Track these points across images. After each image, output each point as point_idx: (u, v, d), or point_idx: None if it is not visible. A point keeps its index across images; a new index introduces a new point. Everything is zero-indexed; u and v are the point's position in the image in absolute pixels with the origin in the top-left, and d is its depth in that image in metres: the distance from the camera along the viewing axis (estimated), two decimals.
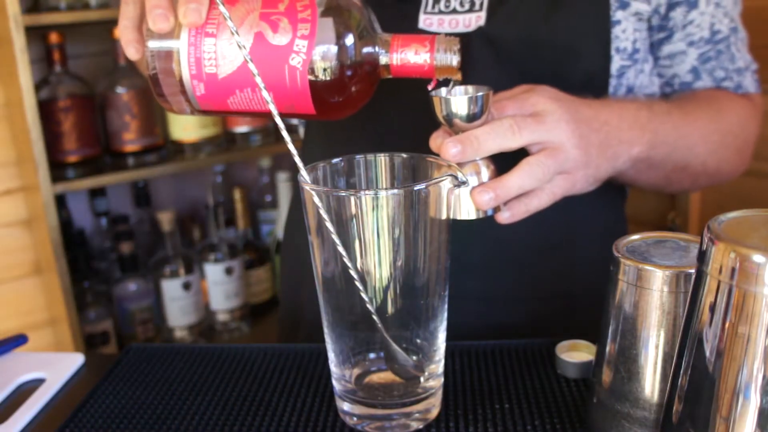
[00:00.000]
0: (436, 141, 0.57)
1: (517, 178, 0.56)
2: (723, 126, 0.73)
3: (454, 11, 0.71)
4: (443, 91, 0.57)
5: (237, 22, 0.53)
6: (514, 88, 0.62)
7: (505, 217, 0.59)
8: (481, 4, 0.70)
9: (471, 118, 0.55)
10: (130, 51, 0.56)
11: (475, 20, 0.70)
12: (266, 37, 0.52)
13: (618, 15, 0.70)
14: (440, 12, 0.71)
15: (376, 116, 0.74)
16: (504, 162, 0.58)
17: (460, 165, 0.56)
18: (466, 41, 0.69)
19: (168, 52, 0.54)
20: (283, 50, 0.53)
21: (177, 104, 0.57)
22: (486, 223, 0.72)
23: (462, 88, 0.57)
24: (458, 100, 0.55)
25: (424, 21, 0.72)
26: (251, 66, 0.50)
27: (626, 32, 0.71)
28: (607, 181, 0.77)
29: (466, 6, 0.71)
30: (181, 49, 0.54)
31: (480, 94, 0.55)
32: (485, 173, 0.57)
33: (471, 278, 0.73)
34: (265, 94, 0.50)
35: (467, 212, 0.56)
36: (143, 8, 0.54)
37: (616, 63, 0.71)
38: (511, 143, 0.56)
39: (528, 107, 0.59)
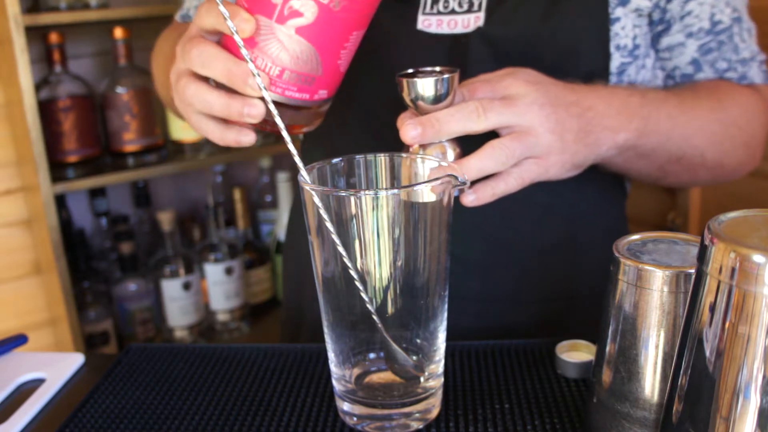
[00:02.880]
0: (400, 122, 0.56)
1: (477, 161, 0.55)
2: (725, 116, 0.71)
3: (453, 12, 0.71)
4: (410, 72, 0.56)
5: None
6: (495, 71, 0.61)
7: (470, 200, 0.57)
8: (480, 5, 0.70)
9: (436, 99, 0.55)
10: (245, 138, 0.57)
11: (473, 21, 0.70)
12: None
13: (618, 12, 0.69)
14: (439, 12, 0.71)
15: (376, 115, 0.74)
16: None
17: (425, 147, 0.56)
18: (465, 42, 0.69)
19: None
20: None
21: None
22: (486, 224, 0.73)
23: (428, 69, 0.56)
24: (423, 81, 0.54)
25: (423, 22, 0.71)
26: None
27: (626, 29, 0.70)
28: (607, 179, 0.76)
29: (465, 6, 0.70)
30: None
31: (446, 76, 0.54)
32: (451, 155, 0.56)
33: (472, 279, 0.73)
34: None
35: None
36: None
37: (616, 60, 0.70)
38: (474, 126, 0.55)
39: (500, 90, 0.57)
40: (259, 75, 0.51)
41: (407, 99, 0.56)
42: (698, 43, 0.73)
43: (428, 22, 0.71)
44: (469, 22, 0.70)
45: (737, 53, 0.74)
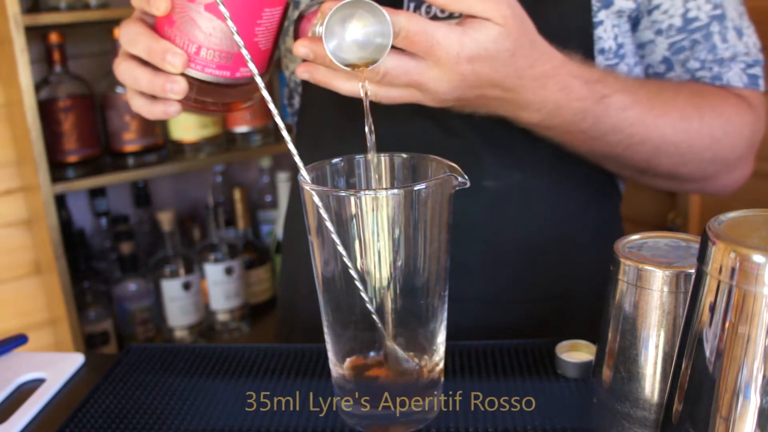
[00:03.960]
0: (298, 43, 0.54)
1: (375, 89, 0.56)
2: (699, 127, 0.66)
3: (435, 17, 0.69)
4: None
5: None
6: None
7: (301, 72, 0.57)
8: None
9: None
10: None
11: None
12: None
13: (600, 15, 0.68)
14: None
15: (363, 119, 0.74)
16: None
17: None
18: None
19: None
20: None
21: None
22: (480, 226, 0.72)
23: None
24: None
25: None
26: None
27: (607, 31, 0.69)
28: (599, 181, 0.76)
29: (446, 12, 0.69)
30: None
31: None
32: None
33: (465, 280, 0.73)
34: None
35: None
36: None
37: (601, 64, 0.69)
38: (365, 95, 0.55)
39: (433, 58, 0.53)
40: (259, 75, 0.51)
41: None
42: (669, 41, 0.70)
43: None
44: None
45: (714, 53, 0.70)
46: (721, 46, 0.70)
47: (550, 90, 0.59)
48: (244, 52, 0.51)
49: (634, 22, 0.71)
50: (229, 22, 0.50)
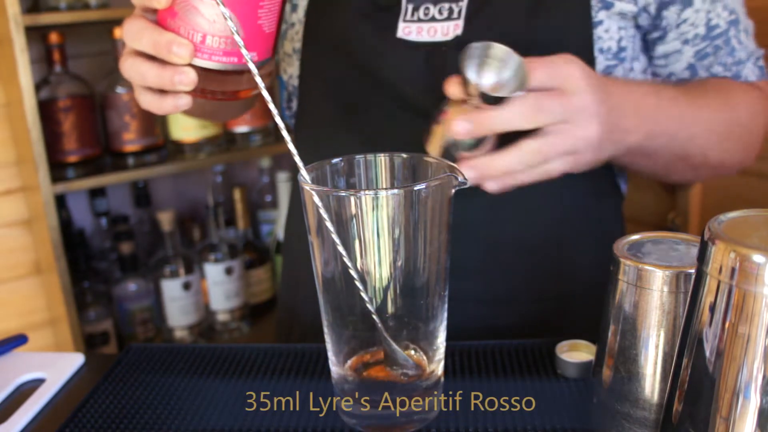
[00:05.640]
0: (449, 87, 0.56)
1: (505, 163, 0.56)
2: (731, 116, 0.71)
3: (433, 19, 0.69)
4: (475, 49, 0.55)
5: None
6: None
7: (490, 187, 0.58)
8: (459, 12, 0.69)
9: (496, 101, 0.55)
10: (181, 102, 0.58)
11: (453, 28, 0.69)
12: None
13: (600, 15, 0.68)
14: (419, 20, 0.70)
15: (363, 119, 0.74)
16: None
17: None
18: (444, 51, 0.69)
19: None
20: None
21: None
22: (479, 226, 0.72)
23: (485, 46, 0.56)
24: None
25: (403, 29, 0.70)
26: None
27: (609, 32, 0.69)
28: (601, 180, 0.76)
29: (445, 14, 0.69)
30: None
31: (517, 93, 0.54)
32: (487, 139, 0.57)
33: (465, 280, 0.72)
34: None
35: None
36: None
37: (601, 64, 0.70)
38: (525, 126, 0.55)
39: (559, 78, 0.56)
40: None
41: (469, 93, 0.55)
42: (694, 49, 0.73)
43: (408, 30, 0.70)
44: (449, 30, 0.69)
45: (733, 56, 0.73)
46: (738, 48, 0.74)
47: (624, 92, 0.62)
48: (244, 52, 0.50)
49: (662, 34, 0.73)
50: (230, 22, 0.50)
